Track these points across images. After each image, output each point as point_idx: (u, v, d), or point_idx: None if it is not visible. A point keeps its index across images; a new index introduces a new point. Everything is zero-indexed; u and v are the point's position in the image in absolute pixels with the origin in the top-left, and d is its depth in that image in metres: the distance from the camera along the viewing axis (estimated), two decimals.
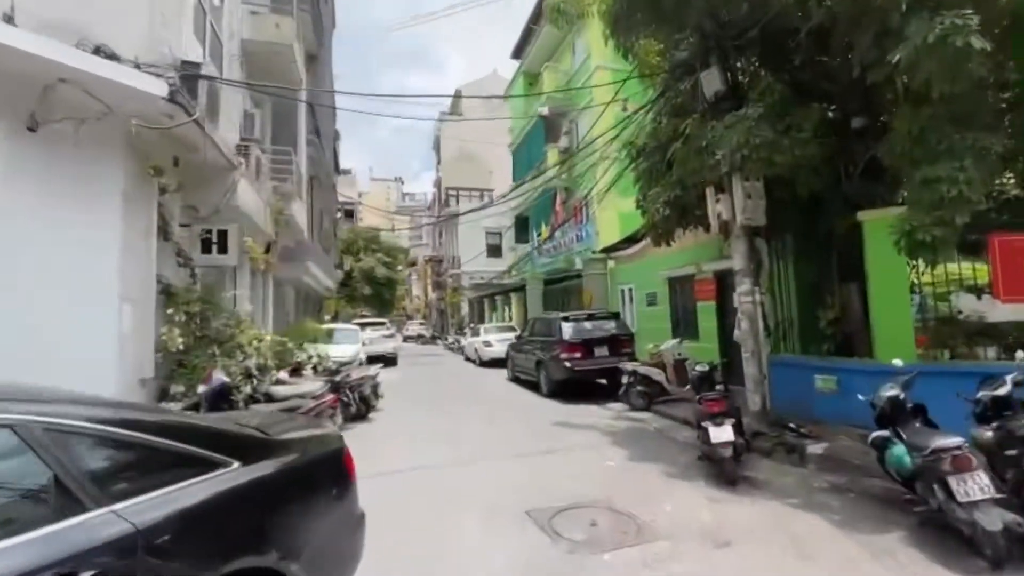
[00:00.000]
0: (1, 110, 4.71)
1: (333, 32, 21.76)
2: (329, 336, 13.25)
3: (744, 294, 6.92)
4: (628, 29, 7.55)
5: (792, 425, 6.39)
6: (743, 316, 6.93)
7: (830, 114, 6.50)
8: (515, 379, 13.50)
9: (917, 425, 4.27)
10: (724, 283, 9.69)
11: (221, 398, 5.21)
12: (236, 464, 2.22)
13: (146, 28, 5.87)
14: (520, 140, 23.98)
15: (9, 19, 4.72)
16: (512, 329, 18.61)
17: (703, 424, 5.20)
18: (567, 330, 10.59)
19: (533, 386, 11.83)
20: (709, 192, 7.05)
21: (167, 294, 6.07)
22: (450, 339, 30.08)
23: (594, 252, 16.09)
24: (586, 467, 5.80)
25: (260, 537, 2.20)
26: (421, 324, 45.95)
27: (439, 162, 44.12)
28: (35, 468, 1.67)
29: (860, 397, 4.64)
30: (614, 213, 15.84)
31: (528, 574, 3.52)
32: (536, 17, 19.20)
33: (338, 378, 8.16)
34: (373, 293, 31.87)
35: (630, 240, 12.97)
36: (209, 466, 2.14)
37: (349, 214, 42.35)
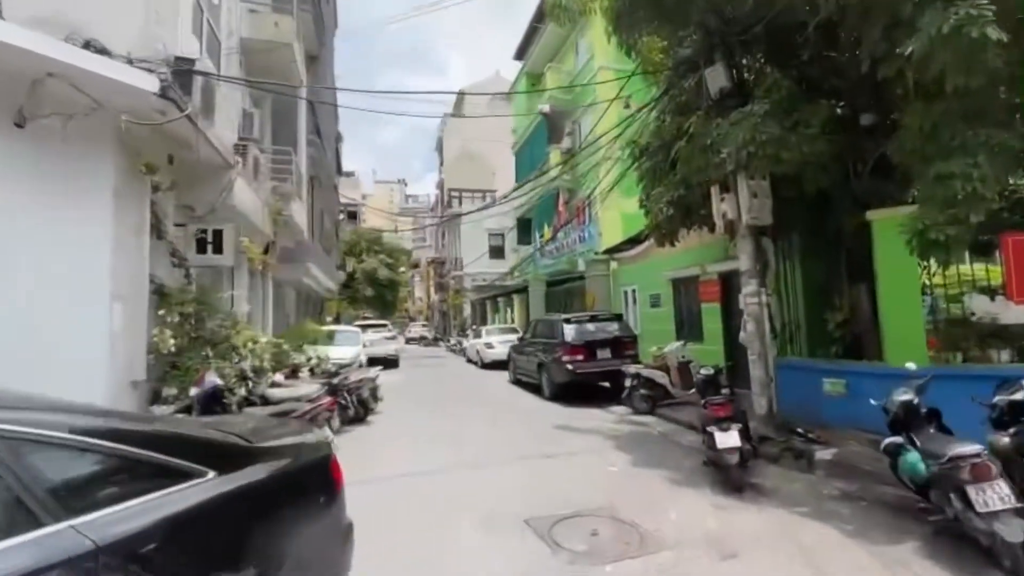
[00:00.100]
0: None
1: (335, 33, 21.72)
2: (329, 338, 13.13)
3: (750, 295, 6.76)
4: (630, 26, 7.41)
5: (800, 430, 6.23)
6: (749, 318, 6.76)
7: (838, 111, 6.33)
8: (517, 381, 13.36)
9: (931, 431, 4.11)
10: (729, 284, 9.53)
11: (214, 401, 5.09)
12: (211, 474, 2.08)
13: (140, 24, 5.78)
14: (523, 141, 23.89)
15: None
16: (514, 331, 18.47)
17: (708, 429, 5.04)
18: (569, 332, 10.44)
19: (535, 389, 11.68)
20: (714, 191, 6.89)
21: (160, 294, 5.96)
22: (452, 341, 29.98)
23: (597, 253, 15.95)
24: (588, 472, 5.65)
25: (236, 552, 2.06)
26: (424, 326, 45.87)
27: (442, 163, 44.09)
28: None
29: (872, 402, 4.47)
30: (617, 214, 15.71)
31: None
32: (540, 16, 19.08)
33: (336, 380, 8.03)
34: (375, 295, 31.78)
35: (633, 241, 12.82)
36: (181, 476, 2.00)
37: (352, 216, 42.39)
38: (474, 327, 26.33)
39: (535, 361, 11.68)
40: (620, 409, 9.20)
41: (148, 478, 1.93)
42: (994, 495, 3.38)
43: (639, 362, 10.13)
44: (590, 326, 10.70)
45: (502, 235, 31.11)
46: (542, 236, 20.94)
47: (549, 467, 5.93)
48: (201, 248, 6.54)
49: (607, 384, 10.43)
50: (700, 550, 3.76)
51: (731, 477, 4.89)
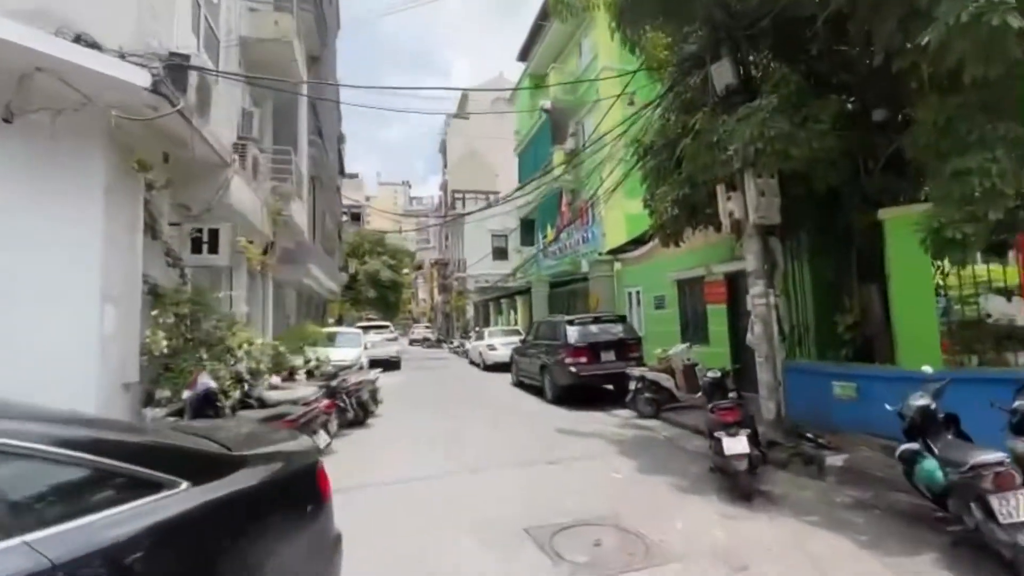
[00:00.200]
0: None
1: (337, 34, 21.67)
2: (330, 339, 13.03)
3: (757, 296, 6.59)
4: (635, 21, 7.26)
5: (809, 435, 6.05)
6: (756, 319, 6.59)
7: (849, 106, 6.16)
8: (519, 384, 13.20)
9: (949, 437, 3.93)
10: (735, 285, 9.35)
11: (207, 404, 4.96)
12: (185, 484, 1.94)
13: (134, 20, 5.66)
14: (526, 142, 23.77)
15: None
16: (517, 333, 18.32)
17: (716, 435, 4.87)
18: (572, 334, 10.28)
19: (538, 391, 11.51)
20: (720, 190, 6.73)
21: (155, 295, 5.84)
22: (455, 343, 29.85)
23: (600, 254, 15.79)
24: (591, 479, 5.49)
25: (211, 568, 1.92)
26: (427, 327, 45.77)
27: (445, 165, 44.05)
28: None
29: (887, 407, 4.30)
30: (621, 214, 15.55)
31: None
32: (544, 14, 18.97)
33: (334, 383, 7.90)
34: (378, 296, 31.68)
35: (637, 241, 12.66)
36: (151, 488, 1.86)
37: (356, 217, 42.38)
38: (477, 329, 26.19)
39: (538, 363, 11.53)
40: (624, 413, 9.03)
41: (114, 490, 1.80)
42: (1019, 505, 3.22)
43: (643, 364, 9.96)
44: (593, 328, 10.53)
45: (505, 236, 30.99)
46: (545, 237, 20.79)
47: (551, 473, 5.77)
48: (196, 248, 6.42)
49: (611, 387, 10.25)
50: (708, 562, 3.59)
51: (739, 484, 4.71)
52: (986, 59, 4.00)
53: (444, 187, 44.64)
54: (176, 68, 5.56)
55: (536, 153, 21.89)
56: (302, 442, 2.54)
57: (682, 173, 7.16)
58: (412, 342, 38.33)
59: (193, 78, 5.92)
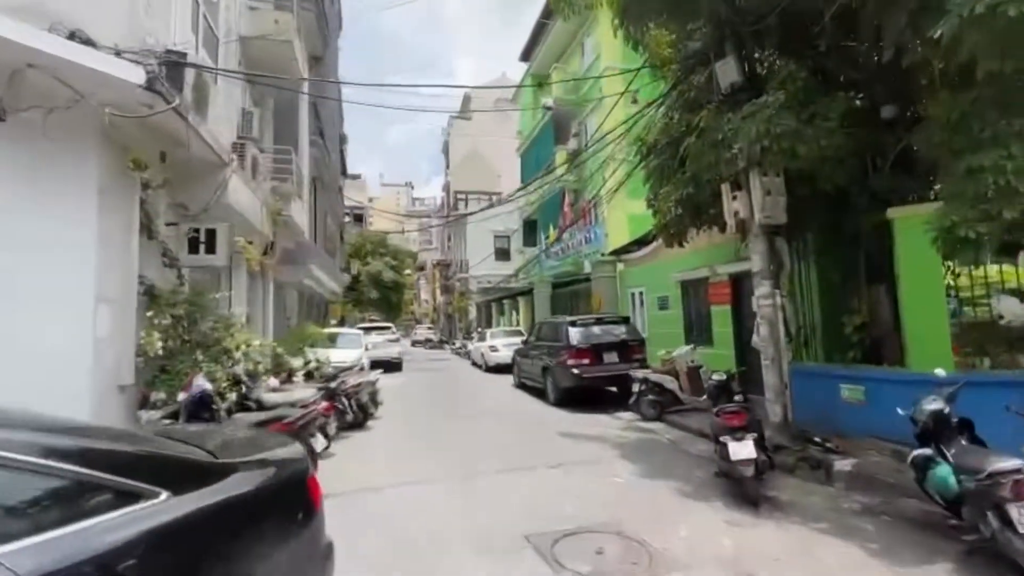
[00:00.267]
0: None
1: (339, 35, 21.64)
2: (331, 341, 12.96)
3: (763, 297, 6.46)
4: (638, 18, 7.16)
5: (816, 439, 5.92)
6: (762, 321, 6.46)
7: (857, 103, 6.03)
8: (521, 385, 13.10)
9: (964, 443, 3.81)
10: (740, 286, 9.22)
11: (202, 407, 4.87)
12: (164, 495, 1.85)
13: (129, 17, 5.59)
14: (529, 143, 23.68)
15: None
16: (519, 334, 18.21)
17: (722, 439, 4.74)
18: (575, 335, 10.16)
19: (539, 393, 11.40)
20: (725, 189, 6.61)
21: (151, 295, 5.76)
22: (457, 344, 29.76)
23: (603, 254, 15.68)
24: (593, 484, 5.37)
25: None
26: (429, 328, 45.74)
27: (448, 166, 44.00)
28: None
29: (899, 411, 4.17)
30: (623, 215, 15.44)
31: None
32: (547, 12, 18.88)
33: (334, 385, 7.81)
34: (380, 297, 31.61)
35: (640, 242, 12.55)
36: (128, 498, 1.77)
37: (359, 218, 42.35)
38: (479, 330, 26.10)
39: (540, 365, 11.42)
40: (627, 415, 8.91)
41: (88, 501, 1.71)
42: None
43: (647, 366, 9.84)
44: (596, 329, 10.41)
45: (508, 237, 30.90)
46: (547, 238, 20.69)
47: (552, 477, 5.65)
48: (194, 248, 6.34)
49: (614, 389, 10.14)
50: (713, 571, 3.48)
51: (746, 490, 4.59)
52: (1001, 52, 3.88)
53: (447, 188, 44.60)
54: (172, 65, 5.49)
55: (539, 154, 21.80)
56: (293, 449, 2.44)
57: (686, 172, 7.05)
58: (414, 343, 38.28)
59: (190, 76, 5.86)
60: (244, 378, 6.10)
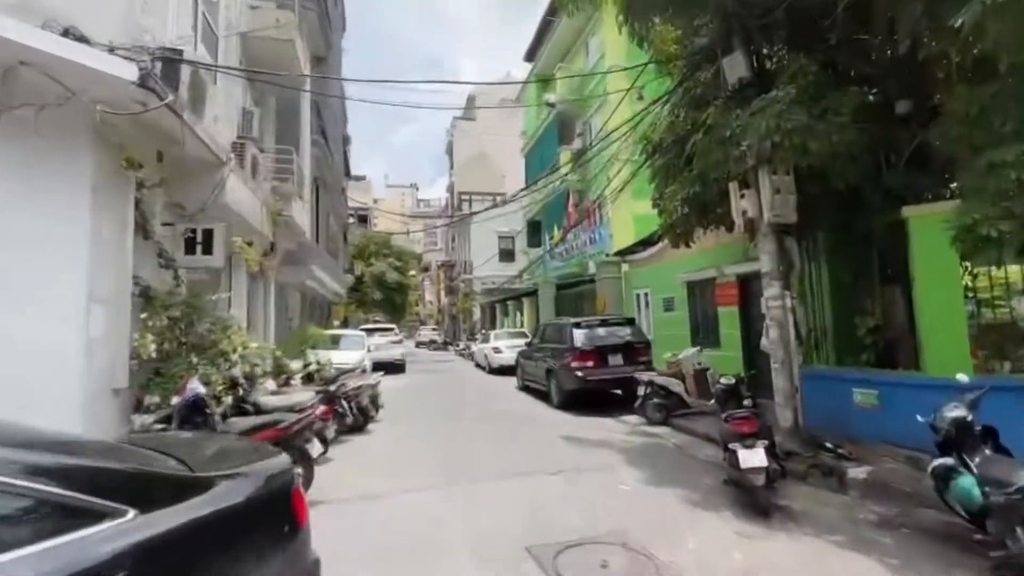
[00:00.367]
0: None
1: (343, 36, 21.59)
2: (333, 342, 12.85)
3: (773, 299, 6.28)
4: (642, 13, 7.00)
5: (828, 445, 5.73)
6: (772, 323, 6.28)
7: (870, 98, 5.84)
8: (525, 388, 12.94)
9: (988, 453, 3.62)
10: (748, 287, 9.03)
11: (195, 411, 4.74)
12: (131, 513, 1.71)
13: (125, 14, 5.50)
14: (533, 143, 23.55)
15: None
16: (523, 335, 18.05)
17: (731, 446, 4.57)
18: (579, 337, 10.00)
19: (543, 396, 11.24)
20: (732, 187, 6.44)
21: (146, 297, 5.65)
22: (461, 345, 29.64)
23: (608, 255, 15.49)
24: (597, 491, 5.20)
25: None
26: (433, 330, 45.67)
27: (452, 167, 43.94)
28: None
29: (919, 418, 3.98)
30: (629, 215, 15.26)
31: None
32: (552, 10, 18.75)
33: (333, 388, 7.68)
34: (384, 298, 31.53)
35: (646, 242, 12.36)
36: (91, 518, 1.63)
37: (363, 219, 42.33)
38: (483, 331, 25.96)
39: (543, 367, 11.26)
40: (632, 419, 8.74)
41: (46, 521, 1.58)
42: None
43: (652, 369, 9.66)
44: (601, 331, 10.25)
45: (512, 238, 30.77)
46: (551, 238, 20.53)
47: (555, 484, 5.49)
48: (190, 248, 6.23)
49: (619, 392, 9.95)
50: None
51: (756, 499, 4.41)
52: None
53: (451, 189, 44.53)
54: (168, 62, 5.37)
55: (543, 154, 21.65)
56: (277, 461, 2.30)
57: (692, 171, 6.88)
58: (418, 344, 38.21)
59: (186, 74, 5.75)
60: (241, 381, 5.98)
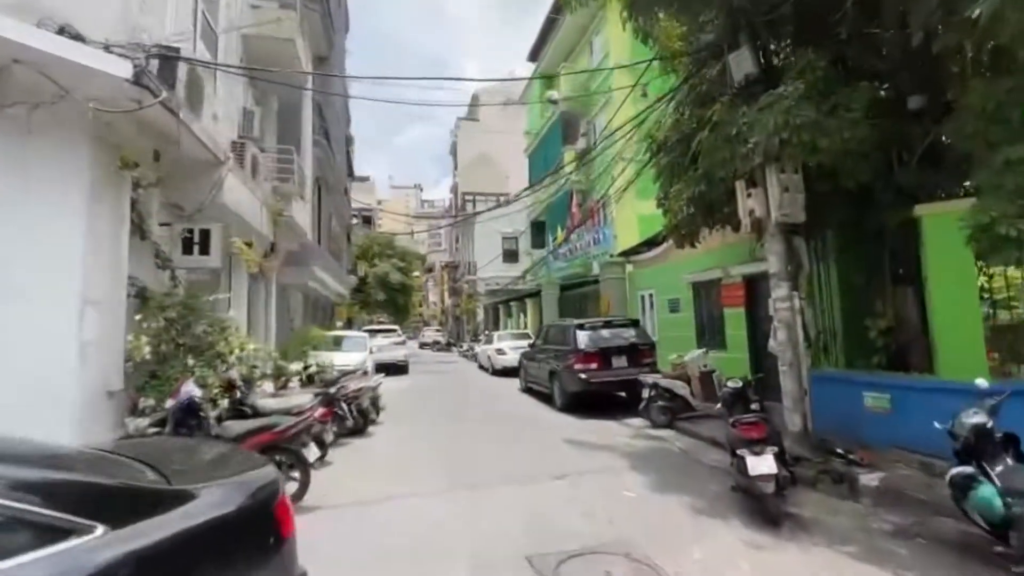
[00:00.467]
0: None
1: (346, 36, 21.55)
2: (335, 344, 12.75)
3: (781, 300, 6.13)
4: (647, 8, 6.88)
5: (839, 450, 5.57)
6: (780, 324, 6.13)
7: (881, 93, 5.68)
8: (528, 390, 12.81)
9: (1010, 462, 3.46)
10: (755, 288, 8.87)
11: (189, 414, 4.64)
12: (100, 530, 1.60)
13: (121, 12, 5.43)
14: (536, 143, 23.43)
15: None
16: (526, 336, 17.93)
17: (739, 452, 4.42)
18: (582, 339, 9.86)
19: (546, 398, 11.11)
20: (739, 186, 6.29)
21: (142, 298, 5.57)
22: (465, 346, 29.54)
23: (612, 256, 15.35)
24: (600, 497, 5.06)
25: None
26: (437, 331, 45.59)
27: (456, 167, 43.89)
28: None
29: (937, 425, 3.83)
30: (633, 215, 15.13)
31: None
32: (557, 7, 18.63)
33: (333, 390, 7.58)
34: (388, 299, 31.45)
35: (650, 243, 12.22)
36: (55, 535, 1.52)
37: (367, 220, 42.32)
38: (486, 332, 25.86)
39: (546, 369, 11.12)
40: (637, 422, 8.59)
41: (5, 539, 1.46)
42: None
43: (657, 371, 9.51)
44: (605, 332, 10.10)
45: (516, 239, 30.65)
46: (555, 239, 20.40)
47: (557, 490, 5.36)
48: (187, 249, 6.15)
49: (623, 394, 9.82)
50: None
51: (765, 507, 4.27)
52: None
53: (454, 189, 44.47)
54: (164, 60, 5.29)
55: (547, 154, 21.53)
56: (262, 472, 2.18)
57: (698, 169, 6.74)
58: (422, 345, 38.13)
59: (183, 72, 5.67)
60: (239, 383, 5.89)
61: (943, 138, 5.45)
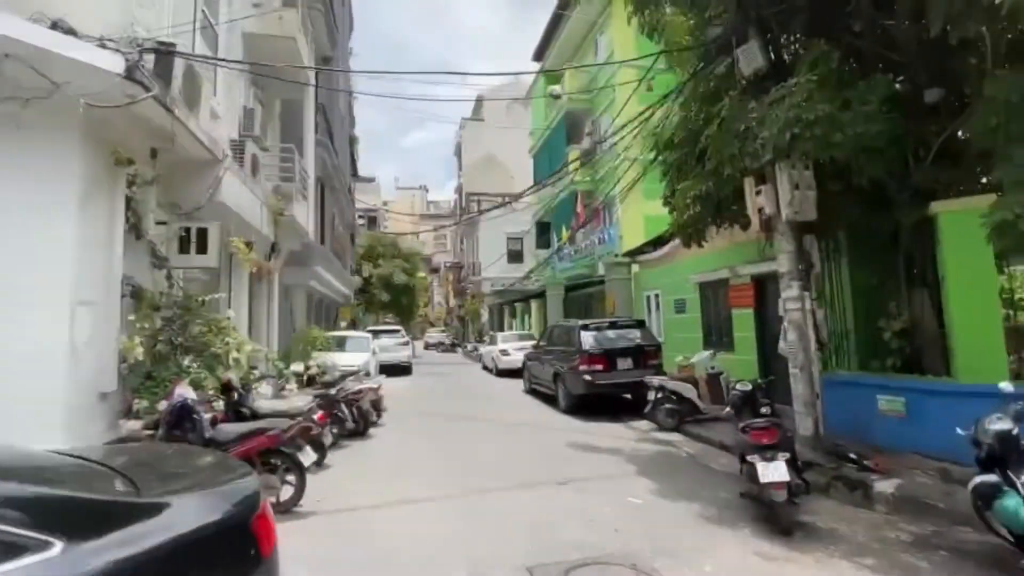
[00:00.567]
0: None
1: (351, 36, 21.52)
2: (338, 344, 12.67)
3: (791, 300, 5.95)
4: (653, 2, 6.71)
5: (852, 455, 5.39)
6: (790, 326, 5.95)
7: (896, 86, 5.49)
8: (532, 391, 12.66)
9: None
10: (763, 288, 8.68)
11: (183, 417, 4.53)
12: (59, 546, 1.47)
13: (118, 8, 5.35)
14: (541, 143, 23.26)
15: None
16: (530, 337, 17.78)
17: (749, 459, 4.25)
18: (587, 339, 9.70)
19: (550, 400, 10.96)
20: (748, 183, 6.12)
21: (137, 298, 5.47)
22: (469, 347, 29.42)
23: (617, 256, 15.16)
24: (605, 504, 4.89)
25: None
26: (442, 332, 45.51)
27: (460, 168, 43.81)
28: None
29: (959, 431, 3.65)
30: (639, 215, 14.92)
31: None
32: (564, 3, 18.49)
33: (333, 392, 7.46)
34: (392, 300, 31.37)
35: (656, 242, 12.02)
36: (9, 552, 1.39)
37: (373, 221, 42.31)
38: (490, 333, 25.74)
39: (550, 370, 10.97)
40: (643, 425, 8.42)
41: None
42: None
43: (663, 373, 9.33)
44: (610, 333, 9.94)
45: (521, 239, 30.50)
46: (560, 239, 20.24)
47: (560, 497, 5.20)
48: (184, 248, 6.04)
49: (628, 396, 9.66)
50: None
51: (777, 516, 4.09)
52: None
53: (459, 190, 44.39)
54: (160, 55, 5.19)
55: (551, 154, 21.37)
56: (243, 483, 2.05)
57: (705, 166, 6.57)
58: (427, 346, 38.08)
59: (179, 68, 5.57)
60: (236, 384, 5.78)
61: (959, 134, 5.25)
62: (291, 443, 4.93)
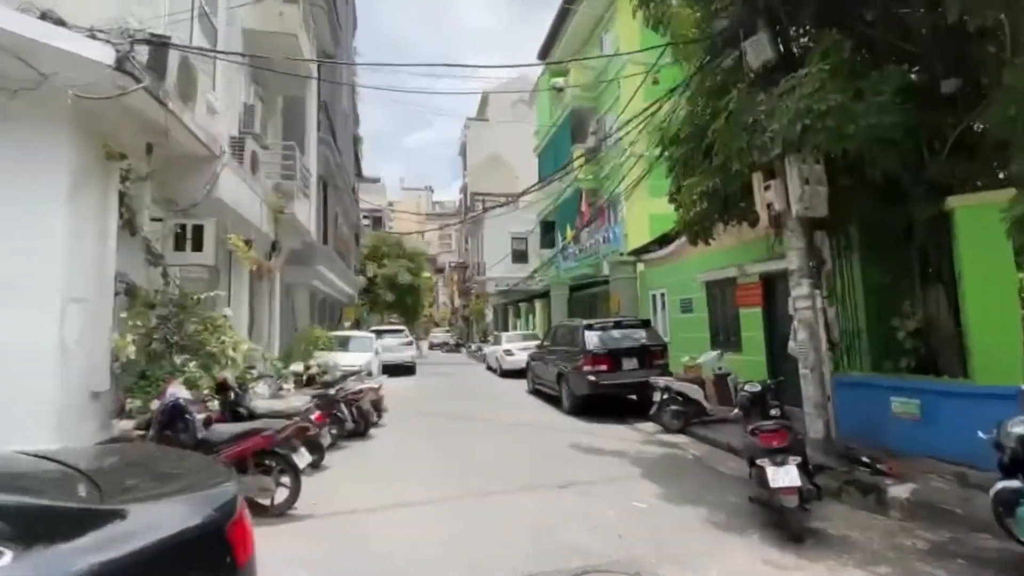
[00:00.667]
0: None
1: (354, 34, 21.47)
2: (341, 344, 12.58)
3: (802, 299, 5.78)
4: None
5: (865, 458, 5.21)
6: (800, 325, 5.78)
7: (911, 77, 5.31)
8: (535, 392, 12.52)
9: None
10: (772, 287, 8.50)
11: (175, 417, 4.43)
12: (7, 556, 1.34)
13: (115, 2, 5.27)
14: (545, 142, 23.14)
15: None
16: (535, 338, 17.63)
17: (758, 462, 4.09)
18: (591, 339, 9.55)
19: (554, 400, 10.81)
20: (756, 178, 5.95)
21: (131, 295, 5.37)
22: (474, 347, 29.32)
23: (622, 255, 14.99)
24: (609, 508, 4.74)
25: None
26: (446, 331, 45.45)
27: (465, 168, 43.75)
28: None
29: (981, 435, 3.49)
30: (644, 213, 14.76)
31: None
32: None
33: (332, 392, 7.35)
34: (397, 300, 31.31)
35: (662, 241, 11.85)
36: None
37: (378, 221, 42.33)
38: (494, 333, 25.62)
39: (554, 371, 10.83)
40: (648, 426, 8.26)
41: None
42: None
43: (669, 373, 9.17)
44: (615, 333, 9.78)
45: (525, 239, 30.37)
46: (565, 239, 20.09)
47: (562, 501, 5.05)
48: (179, 245, 5.95)
49: (633, 397, 9.49)
50: None
51: (787, 522, 3.93)
52: None
53: (464, 189, 44.33)
54: (155, 48, 5.09)
55: (556, 153, 21.24)
56: (217, 488, 1.92)
57: (712, 162, 6.40)
58: (432, 346, 38.03)
59: (174, 61, 5.47)
60: (233, 384, 5.68)
61: (975, 126, 5.06)
62: (286, 444, 4.82)
